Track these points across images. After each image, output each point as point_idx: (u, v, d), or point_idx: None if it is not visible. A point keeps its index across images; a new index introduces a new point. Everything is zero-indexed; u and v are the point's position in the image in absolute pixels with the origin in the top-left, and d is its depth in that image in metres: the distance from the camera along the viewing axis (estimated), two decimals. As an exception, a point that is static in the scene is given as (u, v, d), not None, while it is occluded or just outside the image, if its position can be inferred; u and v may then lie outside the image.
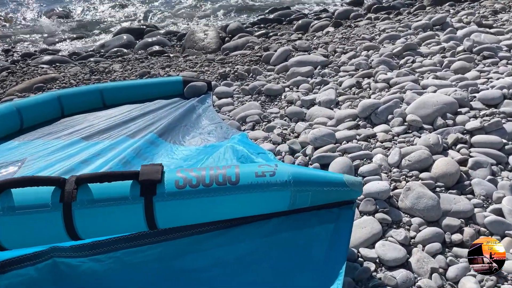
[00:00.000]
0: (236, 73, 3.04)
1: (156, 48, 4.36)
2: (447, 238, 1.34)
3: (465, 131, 1.85)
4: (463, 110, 2.00)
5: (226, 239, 1.15)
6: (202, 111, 2.43)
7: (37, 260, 1.18)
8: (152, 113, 2.42)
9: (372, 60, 2.90)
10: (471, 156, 1.69)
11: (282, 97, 2.59)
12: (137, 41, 4.77)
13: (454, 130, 1.85)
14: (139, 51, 4.36)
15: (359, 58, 3.00)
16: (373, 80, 2.62)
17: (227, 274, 1.11)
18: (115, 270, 1.16)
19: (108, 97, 2.60)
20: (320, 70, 2.90)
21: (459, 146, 1.76)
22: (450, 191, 1.53)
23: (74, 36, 5.62)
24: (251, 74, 3.04)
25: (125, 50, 4.49)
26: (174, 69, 3.40)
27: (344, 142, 1.85)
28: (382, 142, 1.85)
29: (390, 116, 2.01)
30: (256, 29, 4.78)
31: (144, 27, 5.46)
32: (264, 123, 2.23)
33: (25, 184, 1.03)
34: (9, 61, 4.11)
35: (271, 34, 4.30)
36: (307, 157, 1.79)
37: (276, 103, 2.55)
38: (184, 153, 1.88)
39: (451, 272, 1.22)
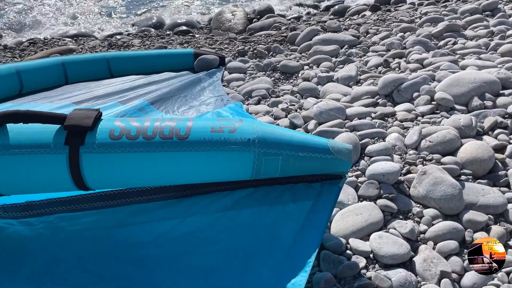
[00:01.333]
0: (255, 51, 2.81)
1: (183, 28, 4.21)
2: (468, 237, 1.04)
3: (507, 115, 1.51)
4: (507, 92, 1.65)
5: (174, 211, 0.93)
6: (207, 85, 2.22)
7: (-36, 217, 1.01)
8: (156, 84, 2.24)
9: (407, 40, 2.57)
10: (511, 143, 1.36)
11: (299, 75, 2.33)
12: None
13: (493, 113, 1.51)
14: (167, 32, 4.23)
15: (392, 38, 2.67)
16: (405, 60, 2.29)
17: (170, 254, 0.88)
18: (44, 236, 0.97)
19: (114, 67, 2.45)
20: (346, 49, 2.60)
21: (497, 131, 1.43)
22: (479, 180, 1.22)
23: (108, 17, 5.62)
24: (271, 52, 2.80)
25: (153, 30, 4.38)
26: (192, 45, 3.22)
27: (356, 119, 1.57)
28: (401, 122, 1.55)
29: (415, 94, 1.70)
30: (288, 13, 4.52)
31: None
32: (271, 100, 1.98)
33: None
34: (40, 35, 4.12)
35: (304, 18, 4.03)
36: (309, 133, 1.52)
37: (291, 81, 2.29)
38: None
39: (468, 279, 0.93)
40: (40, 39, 3.72)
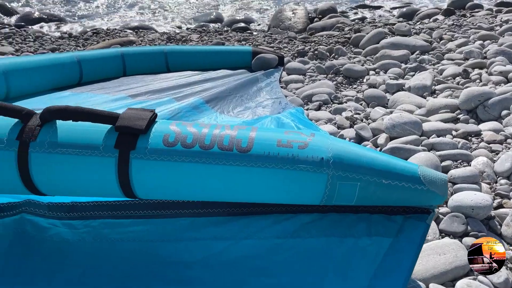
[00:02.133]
0: (316, 52, 2.65)
1: (242, 25, 4.14)
2: None
3: None
4: None
5: (228, 230, 0.81)
6: (264, 85, 2.10)
7: (7, 212, 0.96)
8: (212, 81, 2.16)
9: (488, 50, 2.30)
10: None
11: (364, 80, 2.15)
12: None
13: None
14: (225, 28, 4.18)
15: (471, 46, 2.41)
16: (486, 71, 2.04)
17: (220, 279, 0.77)
18: (86, 242, 0.89)
19: (172, 61, 2.40)
20: (418, 55, 2.38)
21: None
22: None
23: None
24: (333, 54, 2.63)
25: (211, 26, 4.35)
26: (250, 43, 3.12)
27: (434, 136, 1.38)
28: (488, 144, 1.34)
29: (504, 112, 1.47)
30: (352, 14, 4.30)
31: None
32: (333, 106, 1.82)
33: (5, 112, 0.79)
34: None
35: (368, 20, 3.80)
36: (378, 148, 1.36)
37: (355, 86, 2.12)
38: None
39: None
40: (103, 29, 3.79)
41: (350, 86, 2.13)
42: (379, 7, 4.53)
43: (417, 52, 2.43)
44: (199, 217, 0.85)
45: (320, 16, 3.90)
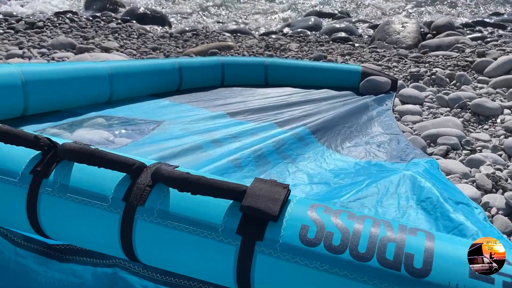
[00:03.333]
0: (433, 77, 2.33)
1: (342, 34, 3.88)
2: None
3: None
4: None
5: None
6: (376, 114, 1.85)
7: (101, 261, 0.85)
8: (314, 103, 1.97)
9: None
10: None
11: (498, 121, 1.80)
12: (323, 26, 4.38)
13: None
14: (323, 36, 3.95)
15: None
16: None
17: None
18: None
19: (272, 74, 2.27)
20: None
21: None
22: None
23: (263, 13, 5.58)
24: (454, 81, 2.28)
25: (308, 33, 4.15)
26: (355, 58, 2.86)
27: None
28: None
29: None
30: (468, 31, 3.82)
31: (336, 12, 5.03)
32: (464, 152, 1.52)
33: (99, 162, 0.66)
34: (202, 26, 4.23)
35: (489, 39, 3.33)
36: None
37: (486, 127, 1.78)
38: (338, 165, 1.36)
39: None
40: (202, 31, 3.78)
41: (481, 126, 1.79)
42: (502, 26, 3.97)
43: None
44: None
45: (434, 32, 3.50)
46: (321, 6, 5.76)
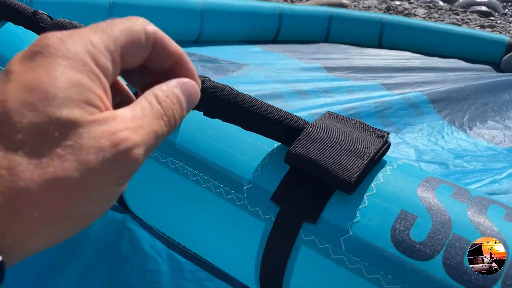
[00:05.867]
0: None
1: (483, 8, 3.22)
2: None
3: None
4: None
5: None
6: (522, 96, 1.39)
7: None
8: (438, 71, 1.56)
9: None
10: None
11: None
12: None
13: None
14: (459, 8, 3.33)
15: None
16: None
17: None
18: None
19: (388, 35, 1.90)
20: None
21: None
22: None
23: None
24: None
25: (441, 3, 3.54)
26: (498, 31, 2.29)
27: None
28: None
29: None
30: None
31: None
32: None
33: None
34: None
35: None
36: None
37: None
38: (462, 145, 0.99)
39: None
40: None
41: None
42: None
43: None
44: None
45: None
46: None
